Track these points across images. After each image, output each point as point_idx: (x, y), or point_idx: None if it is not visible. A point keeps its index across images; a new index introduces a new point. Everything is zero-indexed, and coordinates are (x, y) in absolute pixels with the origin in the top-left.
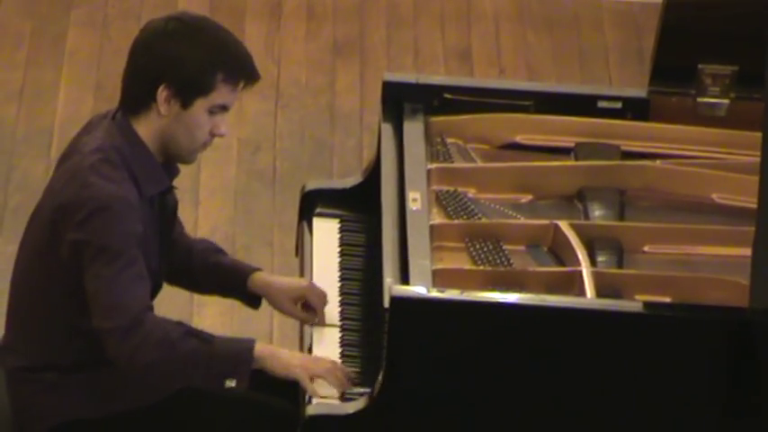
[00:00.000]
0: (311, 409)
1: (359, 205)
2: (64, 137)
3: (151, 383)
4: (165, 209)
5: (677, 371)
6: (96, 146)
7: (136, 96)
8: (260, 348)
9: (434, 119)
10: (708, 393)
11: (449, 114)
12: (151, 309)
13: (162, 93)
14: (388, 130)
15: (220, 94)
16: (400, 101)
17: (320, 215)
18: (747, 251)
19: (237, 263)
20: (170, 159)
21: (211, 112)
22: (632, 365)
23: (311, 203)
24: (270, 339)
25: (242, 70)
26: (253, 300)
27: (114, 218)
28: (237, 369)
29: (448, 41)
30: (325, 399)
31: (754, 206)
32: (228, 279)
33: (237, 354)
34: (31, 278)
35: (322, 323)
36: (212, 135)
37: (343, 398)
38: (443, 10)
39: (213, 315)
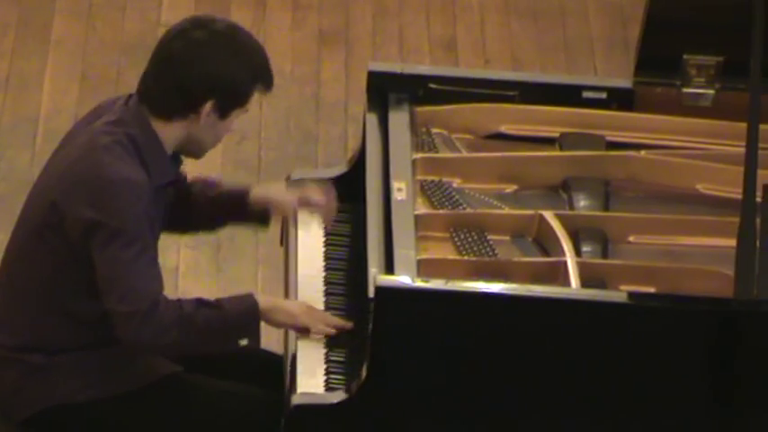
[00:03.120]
0: (296, 399)
1: (344, 195)
2: (49, 127)
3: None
4: (165, 200)
5: (662, 361)
6: (109, 128)
7: (175, 107)
8: (262, 303)
9: (419, 109)
10: (693, 383)
11: (434, 104)
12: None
13: (206, 108)
14: (373, 119)
15: (251, 102)
16: (385, 91)
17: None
18: (732, 242)
19: (232, 188)
20: (180, 153)
21: (237, 116)
22: (617, 355)
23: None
24: None
25: (271, 80)
26: (261, 218)
27: (130, 200)
28: (249, 327)
29: (433, 31)
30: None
31: (739, 197)
32: (232, 205)
33: (246, 313)
34: (28, 256)
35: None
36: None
37: (328, 386)
38: (429, 0)
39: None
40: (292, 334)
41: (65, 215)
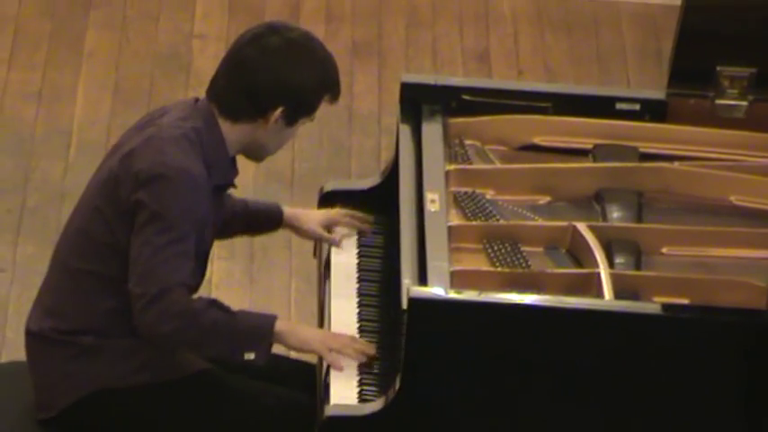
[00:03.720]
0: (329, 410)
1: (377, 206)
2: (82, 138)
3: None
4: (221, 203)
5: (695, 373)
6: (177, 123)
7: (245, 110)
8: (280, 324)
9: (453, 120)
10: (725, 396)
11: (467, 116)
12: (188, 287)
13: (275, 114)
14: (406, 131)
15: (317, 111)
16: (418, 102)
17: None
18: (765, 253)
19: (263, 204)
20: (243, 155)
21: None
22: (650, 367)
23: (329, 204)
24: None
25: (338, 91)
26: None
27: (180, 190)
28: (257, 342)
29: (466, 43)
30: (343, 370)
31: None
32: (266, 221)
33: (258, 327)
34: (85, 236)
35: (366, 227)
36: None
37: (361, 397)
38: (462, 11)
39: None
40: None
41: (121, 193)
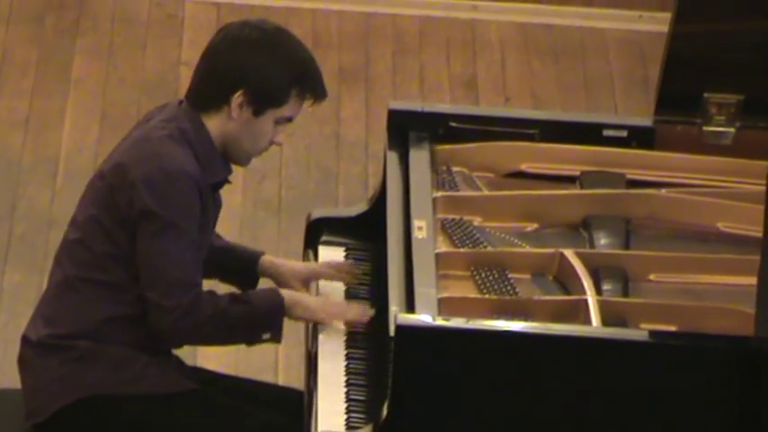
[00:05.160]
0: None
1: (364, 233)
2: (70, 166)
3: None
4: (215, 203)
5: (682, 400)
6: (162, 124)
7: (209, 96)
8: (286, 299)
9: (440, 147)
10: (714, 422)
11: (454, 143)
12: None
13: (237, 98)
14: (393, 158)
15: (290, 108)
16: (406, 129)
17: (326, 243)
18: (753, 280)
19: (243, 247)
20: (227, 158)
21: (277, 122)
22: (638, 394)
23: (317, 232)
24: (275, 368)
25: (314, 88)
26: (249, 282)
27: (184, 191)
28: (272, 323)
29: (453, 70)
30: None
31: (760, 235)
32: (237, 261)
33: (272, 309)
34: (83, 246)
35: (352, 280)
36: (271, 143)
37: (349, 425)
38: (449, 38)
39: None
40: (314, 369)
41: (119, 202)
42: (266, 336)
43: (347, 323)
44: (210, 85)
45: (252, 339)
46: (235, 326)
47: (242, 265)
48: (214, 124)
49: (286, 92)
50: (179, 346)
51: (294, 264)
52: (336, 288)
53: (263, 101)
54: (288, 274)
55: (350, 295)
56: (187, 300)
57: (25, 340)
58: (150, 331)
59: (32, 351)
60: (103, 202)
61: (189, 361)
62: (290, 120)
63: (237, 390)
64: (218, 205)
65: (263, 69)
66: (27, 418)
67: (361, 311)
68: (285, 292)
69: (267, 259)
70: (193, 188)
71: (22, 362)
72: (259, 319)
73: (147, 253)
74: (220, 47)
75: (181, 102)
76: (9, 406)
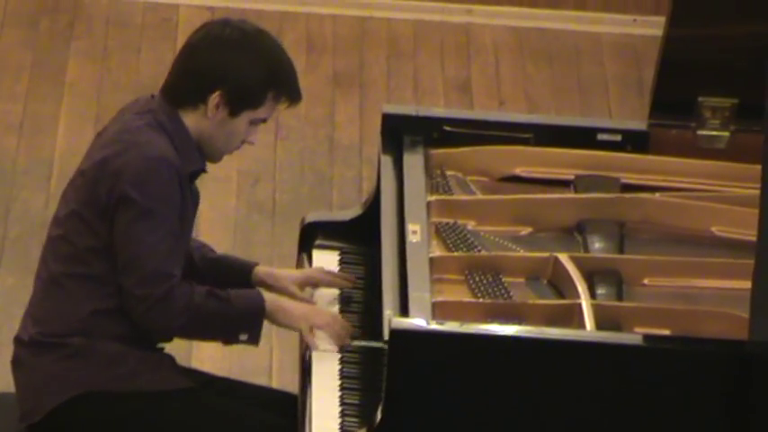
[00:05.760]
0: None
1: (359, 237)
2: (64, 169)
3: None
4: (192, 195)
5: (676, 403)
6: (139, 116)
7: (186, 93)
8: (269, 303)
9: (434, 151)
10: (708, 426)
11: (448, 146)
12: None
13: (214, 99)
14: (387, 162)
15: (266, 110)
16: (400, 133)
17: (320, 247)
18: (747, 284)
19: (236, 258)
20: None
21: (252, 123)
22: (632, 398)
23: (311, 235)
24: (269, 372)
25: (291, 91)
26: None
27: (163, 180)
28: (251, 324)
29: (448, 73)
30: (324, 351)
31: (754, 239)
32: (230, 272)
33: (252, 310)
34: (66, 242)
35: (347, 284)
36: (243, 142)
37: (343, 429)
38: (443, 42)
39: (213, 347)
40: (308, 373)
41: (100, 193)
42: (243, 337)
43: (332, 337)
44: (188, 84)
45: (228, 338)
46: (209, 321)
47: (235, 277)
48: (189, 120)
49: (263, 94)
50: (160, 335)
51: (288, 270)
52: (330, 293)
53: (239, 102)
54: (284, 280)
55: (343, 299)
56: (160, 290)
57: (18, 341)
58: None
59: (25, 351)
60: (85, 196)
61: (183, 362)
62: (264, 120)
63: (232, 391)
64: (195, 196)
65: (241, 71)
66: (21, 420)
67: (343, 333)
68: (269, 297)
69: (261, 269)
70: (174, 176)
71: (16, 363)
72: (236, 319)
73: (124, 241)
74: (200, 45)
75: (153, 96)
76: (4, 409)
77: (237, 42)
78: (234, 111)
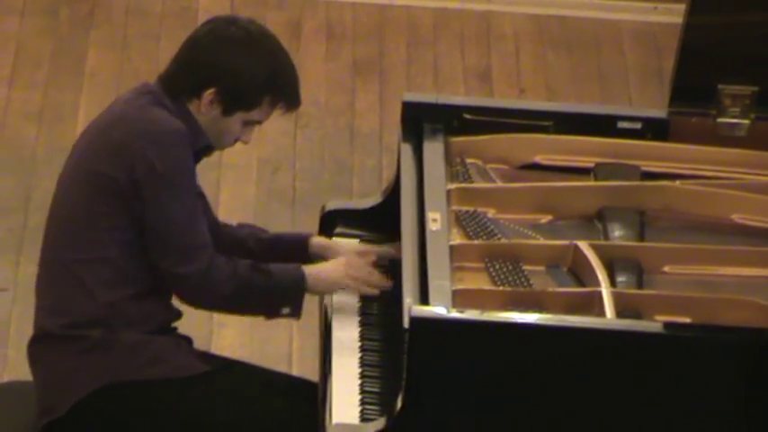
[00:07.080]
0: (331, 430)
1: (378, 225)
2: None
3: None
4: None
5: (698, 392)
6: (137, 96)
7: (182, 85)
8: (308, 275)
9: (454, 139)
10: (728, 415)
11: (469, 135)
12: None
13: (208, 95)
14: (407, 150)
15: (260, 112)
16: (420, 121)
17: (340, 235)
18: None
19: (290, 233)
20: None
21: (246, 123)
22: (652, 386)
23: (331, 223)
24: (289, 361)
25: (288, 97)
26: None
27: (180, 150)
28: (294, 298)
29: (468, 61)
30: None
31: None
32: (290, 249)
33: (293, 284)
34: (77, 227)
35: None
36: (236, 141)
37: (363, 417)
38: (463, 30)
39: (233, 335)
40: (329, 361)
41: (118, 176)
42: (286, 310)
43: (371, 286)
44: (185, 76)
45: (270, 311)
46: (254, 293)
47: (294, 253)
48: None
49: (259, 97)
50: (210, 307)
51: (342, 240)
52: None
53: (233, 102)
54: (341, 250)
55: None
56: (204, 264)
57: (33, 336)
58: (155, 308)
59: (42, 345)
60: (96, 179)
61: (203, 348)
62: (259, 123)
63: (252, 377)
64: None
65: (238, 72)
66: (42, 416)
67: (383, 278)
68: (307, 269)
69: (316, 239)
70: (187, 146)
71: (33, 358)
72: (279, 293)
73: (154, 221)
74: (203, 40)
75: (146, 83)
76: (25, 398)
77: (240, 42)
78: (227, 110)
